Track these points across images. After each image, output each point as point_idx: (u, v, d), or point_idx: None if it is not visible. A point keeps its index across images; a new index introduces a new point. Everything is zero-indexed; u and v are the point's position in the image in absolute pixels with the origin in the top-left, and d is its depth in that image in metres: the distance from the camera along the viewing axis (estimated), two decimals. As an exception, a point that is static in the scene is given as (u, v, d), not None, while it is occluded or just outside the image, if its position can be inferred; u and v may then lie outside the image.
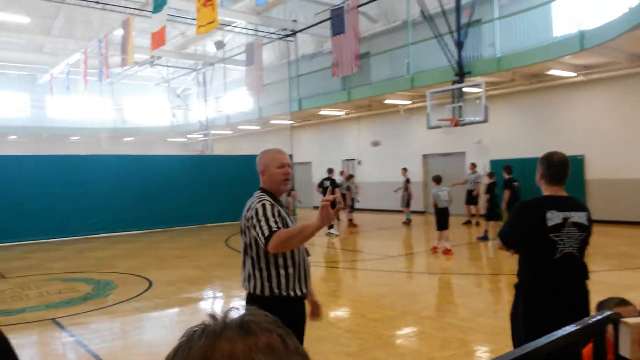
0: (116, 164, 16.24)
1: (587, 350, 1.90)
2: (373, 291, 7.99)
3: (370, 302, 7.08)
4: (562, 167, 3.02)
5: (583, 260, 3.03)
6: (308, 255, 2.95)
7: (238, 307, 0.68)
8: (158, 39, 15.02)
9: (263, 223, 2.66)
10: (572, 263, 2.94)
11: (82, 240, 14.63)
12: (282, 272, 2.75)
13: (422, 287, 8.14)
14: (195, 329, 0.64)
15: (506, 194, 10.98)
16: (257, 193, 2.88)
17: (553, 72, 13.87)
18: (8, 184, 14.02)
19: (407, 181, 16.11)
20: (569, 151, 14.86)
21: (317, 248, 11.62)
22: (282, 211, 2.79)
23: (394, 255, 10.75)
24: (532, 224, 2.95)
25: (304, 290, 2.83)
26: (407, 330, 5.66)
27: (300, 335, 2.82)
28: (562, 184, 3.03)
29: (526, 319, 2.96)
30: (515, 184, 11.03)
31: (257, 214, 2.70)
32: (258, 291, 2.76)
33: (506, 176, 11.27)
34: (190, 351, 0.61)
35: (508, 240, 3.11)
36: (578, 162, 14.33)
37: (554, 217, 2.91)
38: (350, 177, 16.88)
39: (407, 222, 15.49)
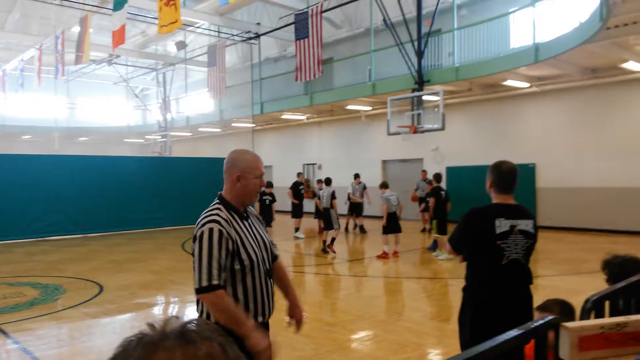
0: (70, 164, 15.71)
1: (529, 349, 1.95)
2: (330, 295, 8.01)
3: (327, 306, 7.10)
4: (511, 176, 3.10)
5: (527, 266, 3.13)
6: (270, 277, 2.57)
7: (178, 316, 0.66)
8: (118, 37, 14.68)
9: (204, 265, 2.27)
10: (517, 269, 3.03)
11: (32, 242, 14.09)
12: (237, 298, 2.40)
13: (377, 291, 8.22)
14: (132, 338, 0.62)
15: (431, 202, 10.79)
16: (212, 205, 2.47)
17: (508, 82, 14.30)
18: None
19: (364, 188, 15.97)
20: (521, 159, 15.39)
21: (281, 253, 11.55)
22: (238, 238, 2.39)
23: (352, 260, 10.81)
24: (480, 230, 3.03)
25: (259, 319, 2.46)
26: (362, 334, 5.69)
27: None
28: (510, 193, 3.12)
29: (472, 323, 3.03)
30: (442, 192, 10.87)
31: (200, 243, 2.31)
32: (205, 316, 2.37)
33: (434, 184, 11.11)
34: None
35: (457, 246, 3.18)
36: (530, 171, 14.80)
37: (502, 225, 2.99)
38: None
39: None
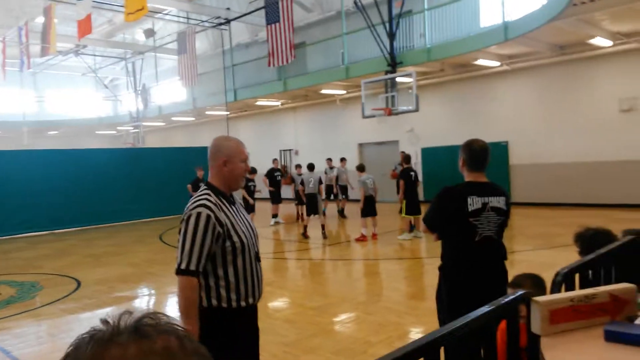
0: (41, 158, 15.35)
1: (501, 326, 2.00)
2: (312, 280, 8.07)
3: (309, 290, 7.15)
4: (482, 154, 3.15)
5: (501, 242, 3.19)
6: (258, 260, 2.63)
7: (131, 310, 0.66)
8: (84, 27, 14.37)
9: (187, 248, 2.34)
10: (491, 245, 3.10)
11: (6, 240, 13.81)
12: (221, 282, 2.44)
13: (357, 274, 8.31)
14: (84, 335, 0.61)
15: (401, 184, 10.77)
16: (200, 191, 2.52)
17: (480, 62, 14.42)
18: None
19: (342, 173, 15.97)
20: (494, 138, 15.55)
21: (260, 239, 11.56)
22: (226, 221, 2.44)
23: (331, 244, 10.89)
24: (453, 209, 3.08)
25: (250, 301, 2.52)
26: (343, 317, 5.76)
27: (247, 346, 2.57)
28: (482, 170, 3.17)
29: (449, 300, 3.10)
30: (412, 173, 10.79)
31: (187, 225, 2.38)
32: (208, 303, 2.45)
33: (404, 165, 11.03)
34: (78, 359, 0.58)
35: (431, 224, 3.24)
36: (503, 148, 15.03)
37: (474, 203, 3.04)
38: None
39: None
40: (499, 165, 14.56)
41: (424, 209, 3.58)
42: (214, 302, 2.44)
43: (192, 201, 2.46)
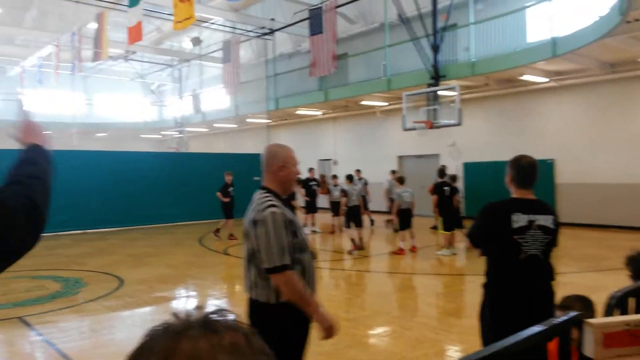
0: (88, 159, 15.91)
1: (553, 346, 1.95)
2: (346, 290, 8.03)
3: (343, 302, 7.12)
4: (530, 171, 3.08)
5: (548, 262, 3.10)
6: (314, 258, 2.77)
7: (202, 305, 0.68)
8: (135, 33, 14.82)
9: (274, 246, 2.46)
10: (537, 265, 3.01)
11: (51, 237, 14.30)
12: None
13: (393, 287, 8.22)
14: (157, 327, 0.63)
15: (433, 199, 10.51)
16: (262, 194, 2.62)
17: (526, 77, 14.15)
18: (-26, 178, 13.62)
19: (365, 183, 15.71)
20: (540, 155, 15.18)
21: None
22: (293, 219, 2.60)
23: (366, 256, 10.82)
24: (497, 225, 3.01)
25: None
26: (379, 330, 5.71)
27: (305, 340, 2.67)
28: (530, 187, 3.09)
29: (493, 319, 3.02)
30: (446, 188, 10.49)
31: (266, 226, 2.48)
32: (264, 299, 2.56)
33: (438, 180, 10.75)
34: (152, 351, 0.60)
35: (474, 240, 3.18)
36: (548, 166, 14.65)
37: (519, 220, 2.97)
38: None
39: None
40: (545, 184, 14.19)
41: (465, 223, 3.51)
42: (273, 296, 2.54)
43: (259, 203, 2.57)
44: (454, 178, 11.42)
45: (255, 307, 2.62)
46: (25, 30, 22.61)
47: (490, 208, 3.11)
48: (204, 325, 0.62)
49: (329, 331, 2.58)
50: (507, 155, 3.34)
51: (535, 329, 1.83)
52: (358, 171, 15.59)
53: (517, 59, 13.20)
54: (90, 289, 7.77)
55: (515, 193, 3.11)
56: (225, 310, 0.66)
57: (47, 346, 5.25)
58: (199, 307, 0.65)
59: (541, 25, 13.40)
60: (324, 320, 2.54)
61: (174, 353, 0.59)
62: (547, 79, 14.32)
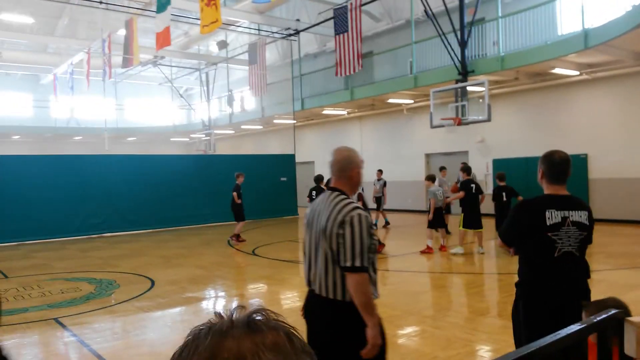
0: (119, 163, 16.25)
1: (592, 345, 1.87)
2: (379, 290, 7.96)
3: (375, 301, 7.05)
4: (563, 166, 3.00)
5: (584, 259, 3.00)
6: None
7: (244, 305, 0.67)
8: (163, 39, 15.05)
9: (357, 246, 2.52)
10: (571, 261, 2.92)
11: (85, 240, 14.66)
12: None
13: (423, 286, 8.11)
14: (201, 327, 0.64)
15: (459, 196, 10.24)
16: (339, 195, 2.69)
17: (557, 70, 13.81)
18: (12, 183, 14.06)
19: (384, 184, 15.48)
20: (572, 150, 14.87)
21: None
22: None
23: (395, 255, 10.73)
24: (531, 222, 2.94)
25: (376, 295, 2.72)
26: (409, 330, 5.63)
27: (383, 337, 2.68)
28: (563, 183, 3.02)
29: (526, 318, 2.95)
30: (472, 185, 10.22)
31: (353, 227, 2.54)
32: (340, 297, 2.60)
33: (464, 177, 10.47)
34: (197, 349, 0.61)
35: (507, 239, 3.12)
36: (581, 161, 14.27)
37: (552, 216, 2.90)
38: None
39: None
40: (577, 179, 13.83)
41: (487, 223, 3.43)
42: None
43: (344, 204, 2.62)
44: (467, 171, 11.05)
45: (338, 307, 2.62)
46: (56, 38, 23.23)
47: (524, 205, 3.06)
48: (247, 325, 0.63)
49: (374, 349, 2.52)
50: (537, 151, 3.25)
51: (574, 327, 1.76)
52: (380, 171, 15.49)
53: (548, 52, 12.89)
54: (122, 290, 7.90)
55: (547, 189, 3.03)
56: (267, 309, 0.66)
57: (81, 346, 5.35)
58: (241, 307, 0.67)
59: (572, 17, 13.06)
60: (376, 336, 2.52)
61: (219, 352, 0.60)
62: (578, 72, 13.95)
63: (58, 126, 28.56)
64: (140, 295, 7.50)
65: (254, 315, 0.65)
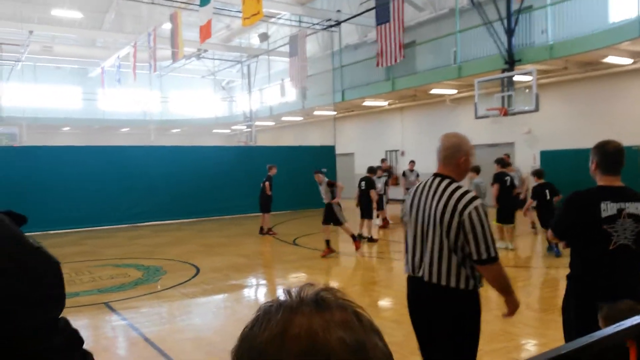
0: (164, 154, 16.65)
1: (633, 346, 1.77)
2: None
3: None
4: (617, 156, 2.90)
5: (637, 253, 2.88)
6: None
7: (312, 283, 0.67)
8: (205, 31, 15.27)
9: (489, 238, 2.63)
10: (628, 255, 2.81)
11: (131, 228, 15.10)
12: (473, 267, 2.77)
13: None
14: (271, 303, 0.65)
15: (495, 189, 9.87)
16: (453, 183, 2.74)
17: (609, 59, 13.25)
18: (62, 173, 14.60)
19: (417, 175, 14.83)
20: (624, 141, 14.11)
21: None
22: None
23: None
24: (585, 215, 2.85)
25: None
26: (453, 322, 5.55)
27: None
28: (617, 174, 2.91)
29: (578, 312, 2.86)
30: (507, 178, 9.85)
31: (480, 218, 2.62)
32: (463, 286, 2.70)
33: (498, 169, 10.18)
34: (269, 323, 0.62)
35: (560, 232, 3.03)
36: (634, 153, 13.65)
37: (608, 208, 2.79)
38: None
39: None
40: (630, 172, 13.19)
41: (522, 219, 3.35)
42: (478, 285, 2.74)
43: (461, 194, 2.68)
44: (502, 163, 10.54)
45: (451, 294, 2.71)
46: (104, 32, 23.94)
47: (577, 198, 2.95)
48: (316, 302, 0.63)
49: (514, 311, 2.86)
50: (588, 143, 3.14)
51: (633, 320, 1.69)
52: (412, 162, 15.28)
53: (599, 40, 12.37)
54: (169, 276, 8.11)
55: (601, 180, 2.92)
56: (334, 288, 0.67)
57: (130, 330, 5.53)
58: (310, 285, 0.67)
59: (625, 3, 12.49)
60: (516, 305, 2.83)
61: (290, 327, 0.61)
62: (632, 61, 13.34)
63: (106, 118, 29.48)
64: (186, 281, 7.68)
65: (322, 293, 0.65)
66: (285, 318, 0.62)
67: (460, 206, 2.62)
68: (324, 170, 13.44)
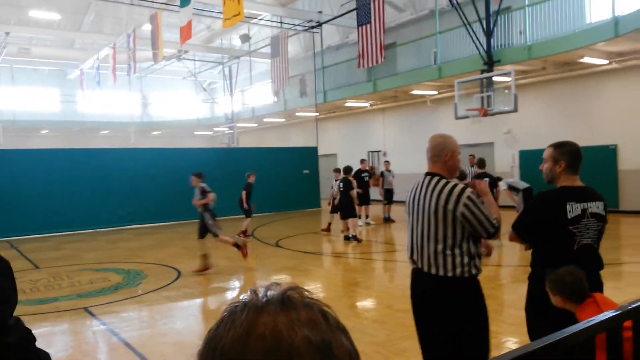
0: (145, 157, 16.48)
1: (600, 338, 1.80)
2: (400, 282, 7.93)
3: (397, 293, 7.02)
4: (581, 156, 2.97)
5: (598, 251, 2.95)
6: None
7: (278, 282, 0.67)
8: (185, 32, 15.15)
9: (487, 216, 2.86)
10: (589, 254, 2.87)
11: (113, 231, 14.92)
12: (472, 255, 2.91)
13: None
14: (236, 304, 0.65)
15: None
16: (442, 179, 2.92)
17: (585, 59, 13.49)
18: (41, 177, 14.37)
19: (393, 176, 15.17)
20: (601, 141, 14.53)
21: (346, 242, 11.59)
22: None
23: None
24: (550, 216, 2.88)
25: None
26: (435, 322, 5.59)
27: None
28: (578, 174, 2.98)
29: (540, 311, 2.89)
30: (486, 179, 10.00)
31: (475, 204, 2.83)
32: (466, 274, 2.86)
33: (478, 170, 10.22)
34: (234, 324, 0.62)
35: (523, 232, 3.03)
36: (611, 152, 13.94)
37: (573, 209, 2.84)
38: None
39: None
40: (606, 170, 13.53)
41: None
42: (473, 271, 2.89)
43: (450, 188, 2.86)
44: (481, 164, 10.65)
45: (457, 284, 2.86)
46: (83, 34, 23.61)
47: (543, 199, 2.98)
48: (281, 301, 0.63)
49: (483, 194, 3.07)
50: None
51: (609, 314, 1.72)
52: (387, 162, 15.45)
53: (576, 40, 12.59)
54: (150, 280, 8.03)
55: (566, 181, 2.95)
56: (301, 287, 0.67)
57: (110, 335, 5.46)
58: (276, 284, 0.67)
59: (602, 4, 12.72)
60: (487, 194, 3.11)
61: (255, 326, 0.60)
62: (608, 61, 13.60)
63: (85, 120, 29.09)
64: (167, 285, 7.61)
65: (289, 292, 0.65)
66: (250, 318, 0.61)
67: (453, 199, 2.80)
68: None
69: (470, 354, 2.88)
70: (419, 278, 3.01)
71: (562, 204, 2.83)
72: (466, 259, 2.85)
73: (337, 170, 13.14)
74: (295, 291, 0.66)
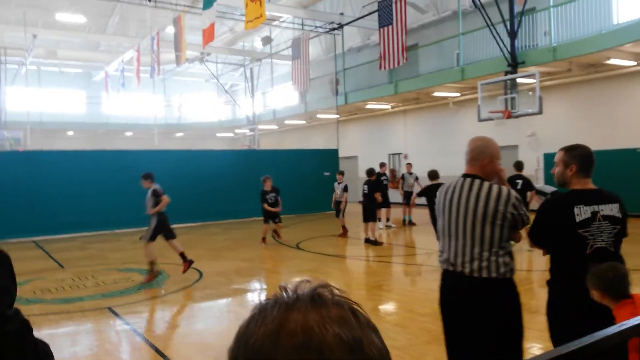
0: (168, 158, 16.68)
1: (633, 344, 1.76)
2: (422, 286, 7.87)
3: (419, 297, 6.97)
4: (593, 160, 2.94)
5: (618, 255, 2.88)
6: None
7: (309, 279, 0.67)
8: (208, 35, 15.30)
9: (526, 211, 2.93)
10: (605, 258, 2.79)
11: (137, 232, 15.10)
12: (511, 256, 2.94)
13: (472, 283, 7.95)
14: (267, 301, 0.65)
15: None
16: (484, 182, 2.93)
17: (612, 61, 13.22)
18: (67, 178, 14.65)
19: (416, 178, 15.05)
20: (627, 144, 14.19)
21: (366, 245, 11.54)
22: None
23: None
24: (559, 220, 2.85)
25: None
26: (457, 327, 5.53)
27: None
28: (590, 177, 2.93)
29: (561, 316, 2.86)
30: (519, 181, 9.63)
31: (520, 203, 2.88)
32: (503, 275, 2.86)
33: (514, 172, 10.17)
34: (265, 320, 0.62)
35: (537, 239, 3.03)
36: (637, 156, 13.62)
37: (582, 212, 2.79)
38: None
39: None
40: (634, 174, 13.22)
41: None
42: (509, 272, 2.89)
43: (498, 189, 2.88)
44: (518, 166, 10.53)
45: (495, 285, 2.85)
46: (108, 36, 24.03)
47: (550, 204, 2.99)
48: (312, 299, 0.64)
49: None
50: (592, 145, 3.15)
51: (633, 321, 1.68)
52: (409, 165, 15.35)
53: (603, 41, 12.34)
54: (172, 281, 8.11)
55: (577, 184, 2.91)
56: (330, 285, 0.67)
57: (133, 334, 5.53)
58: (306, 281, 0.67)
59: (629, 5, 12.46)
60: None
61: (286, 323, 0.61)
62: (635, 62, 13.30)
63: (110, 122, 29.56)
64: (190, 286, 7.68)
65: (319, 289, 0.65)
66: (280, 315, 0.62)
67: (503, 200, 2.82)
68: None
69: (505, 358, 2.86)
70: (456, 282, 2.94)
71: (569, 208, 2.81)
72: (507, 259, 2.86)
73: (340, 173, 13.18)
74: (326, 289, 0.66)
